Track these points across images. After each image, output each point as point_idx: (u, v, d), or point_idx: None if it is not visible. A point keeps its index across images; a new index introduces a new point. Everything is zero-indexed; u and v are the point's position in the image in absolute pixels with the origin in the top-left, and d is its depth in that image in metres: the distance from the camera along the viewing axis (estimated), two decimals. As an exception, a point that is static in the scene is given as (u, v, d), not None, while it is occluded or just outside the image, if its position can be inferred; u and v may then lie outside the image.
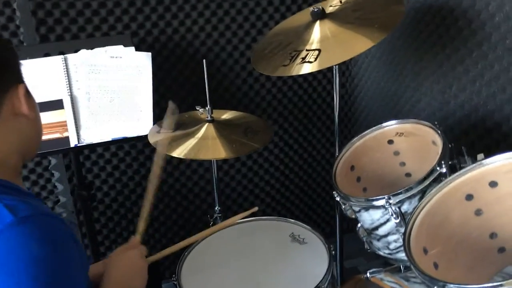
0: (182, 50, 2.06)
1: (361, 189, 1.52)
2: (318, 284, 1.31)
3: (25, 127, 0.97)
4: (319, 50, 1.46)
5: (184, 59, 2.07)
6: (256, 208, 1.43)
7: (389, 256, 1.42)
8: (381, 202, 1.27)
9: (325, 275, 1.34)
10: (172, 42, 2.03)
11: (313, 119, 2.39)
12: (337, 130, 1.69)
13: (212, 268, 1.45)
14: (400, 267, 1.41)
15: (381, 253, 1.45)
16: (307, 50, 1.49)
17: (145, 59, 1.81)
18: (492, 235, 1.19)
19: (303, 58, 1.46)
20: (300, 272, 1.39)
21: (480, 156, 1.35)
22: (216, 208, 1.80)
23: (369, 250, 1.49)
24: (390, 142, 1.52)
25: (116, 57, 1.80)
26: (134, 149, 2.10)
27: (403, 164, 1.55)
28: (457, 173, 1.16)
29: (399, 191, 1.26)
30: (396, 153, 1.54)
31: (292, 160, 2.43)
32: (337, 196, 1.39)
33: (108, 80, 1.80)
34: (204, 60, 1.60)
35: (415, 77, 1.91)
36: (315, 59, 1.43)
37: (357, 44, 1.42)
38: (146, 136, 1.75)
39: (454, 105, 1.74)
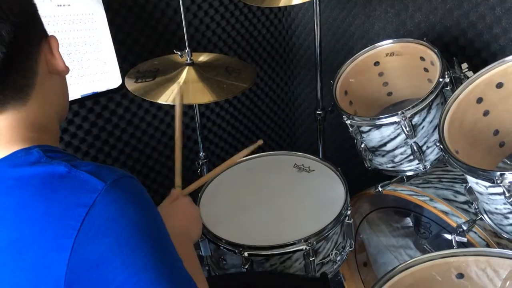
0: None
1: (353, 112, 1.58)
2: (343, 205, 1.37)
3: (59, 86, 0.87)
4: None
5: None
6: (261, 141, 1.38)
7: (391, 169, 1.52)
8: (395, 118, 1.35)
9: (346, 196, 1.41)
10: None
11: (270, 57, 2.40)
12: (319, 60, 1.71)
13: (231, 208, 1.43)
14: (403, 177, 1.53)
15: (382, 167, 1.54)
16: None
17: (96, 5, 1.64)
18: (495, 132, 1.33)
19: (291, -13, 1.44)
20: (321, 198, 1.43)
21: (464, 65, 1.48)
22: (200, 155, 1.75)
23: (369, 168, 1.57)
24: (376, 64, 1.59)
25: (63, 5, 1.61)
26: (92, 113, 1.91)
27: (386, 84, 1.64)
28: (469, 79, 1.26)
29: (410, 106, 1.34)
30: (381, 74, 1.62)
31: (258, 96, 2.44)
32: (346, 119, 1.44)
33: (60, 31, 1.60)
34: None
35: (366, 3, 1.98)
36: (305, -12, 1.42)
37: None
38: (116, 89, 1.62)
39: (410, 25, 1.85)
